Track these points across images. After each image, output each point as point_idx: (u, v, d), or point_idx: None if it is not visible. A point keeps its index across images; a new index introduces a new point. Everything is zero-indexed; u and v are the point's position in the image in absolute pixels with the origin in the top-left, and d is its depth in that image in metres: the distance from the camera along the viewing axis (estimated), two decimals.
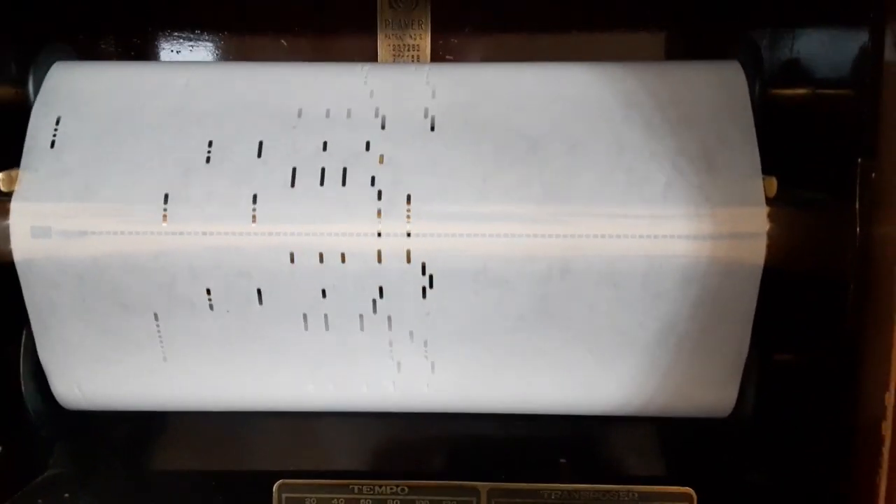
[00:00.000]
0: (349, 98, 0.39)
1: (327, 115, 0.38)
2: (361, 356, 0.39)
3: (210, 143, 0.38)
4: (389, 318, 0.37)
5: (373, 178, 0.36)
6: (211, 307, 0.37)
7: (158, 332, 0.38)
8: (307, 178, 0.37)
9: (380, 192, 0.36)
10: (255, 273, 0.37)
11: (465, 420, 0.41)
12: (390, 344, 0.38)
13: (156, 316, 0.38)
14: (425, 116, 0.38)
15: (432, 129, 0.37)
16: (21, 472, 0.42)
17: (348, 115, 0.38)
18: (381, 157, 0.37)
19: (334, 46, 0.48)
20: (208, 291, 0.37)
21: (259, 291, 0.37)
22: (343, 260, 0.36)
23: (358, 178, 0.37)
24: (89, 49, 0.46)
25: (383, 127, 0.37)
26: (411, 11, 0.47)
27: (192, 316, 0.38)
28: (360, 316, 0.37)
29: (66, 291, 0.38)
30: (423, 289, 0.36)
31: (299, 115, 0.38)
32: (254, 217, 0.36)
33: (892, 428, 0.30)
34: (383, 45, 0.47)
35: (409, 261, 0.36)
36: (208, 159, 0.37)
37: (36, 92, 0.40)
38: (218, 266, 0.37)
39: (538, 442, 0.43)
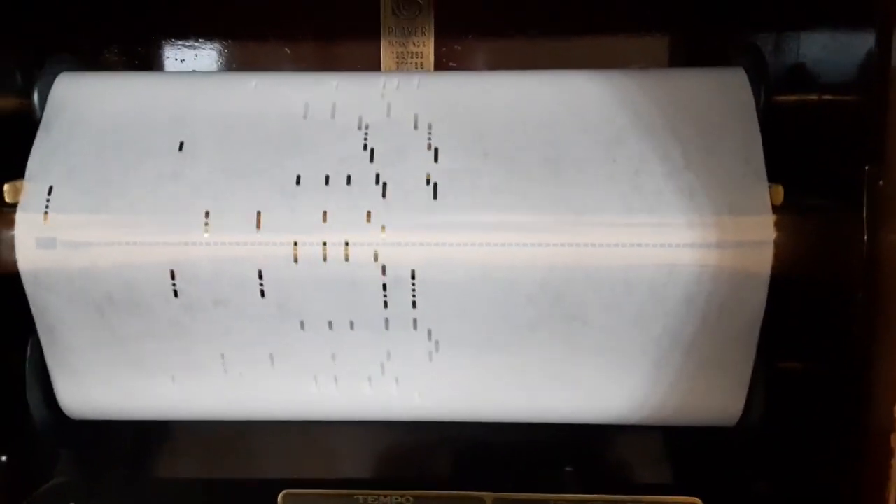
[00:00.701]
0: (353, 104, 0.39)
1: (332, 114, 0.38)
2: (364, 365, 0.38)
3: (215, 154, 0.38)
4: (391, 327, 0.37)
5: (374, 183, 0.36)
6: (216, 317, 0.37)
7: (163, 341, 0.38)
8: (312, 182, 0.37)
9: (380, 200, 0.36)
10: (268, 284, 0.36)
11: (470, 429, 0.41)
12: (393, 353, 0.38)
13: (160, 326, 0.38)
14: (426, 124, 0.38)
15: (430, 136, 0.37)
16: (26, 481, 0.42)
17: (360, 123, 0.38)
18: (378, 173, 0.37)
19: (337, 54, 0.48)
20: (214, 301, 0.37)
21: (263, 295, 0.37)
22: (344, 264, 0.36)
23: (359, 187, 0.36)
24: (93, 58, 0.46)
25: (390, 151, 0.37)
26: (415, 19, 0.47)
27: (197, 325, 0.38)
28: (363, 324, 0.37)
29: (71, 302, 0.38)
30: (427, 298, 0.36)
31: (305, 116, 0.38)
32: (258, 225, 0.36)
33: None
34: (387, 53, 0.47)
35: (412, 271, 0.36)
36: (213, 169, 0.37)
37: (41, 102, 0.40)
38: (224, 275, 0.36)
39: (544, 451, 0.43)
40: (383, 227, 0.36)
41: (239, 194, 0.37)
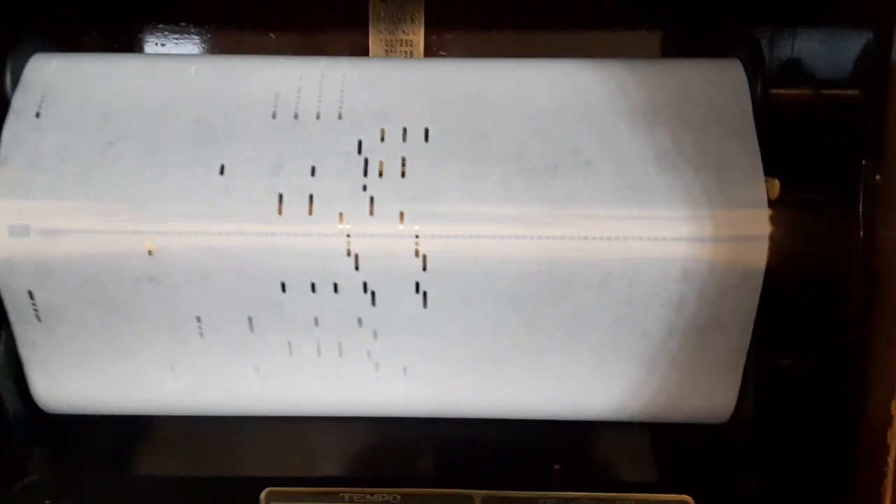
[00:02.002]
0: (341, 91, 0.38)
1: (318, 115, 0.37)
2: (350, 360, 0.38)
3: (193, 141, 0.36)
4: (381, 321, 0.36)
5: (364, 186, 0.35)
6: (192, 307, 0.36)
7: (140, 333, 0.37)
8: (297, 172, 0.36)
9: (372, 199, 0.35)
10: (242, 275, 0.35)
11: (458, 426, 0.40)
12: (381, 348, 0.37)
13: (138, 317, 0.37)
14: (417, 113, 0.37)
15: (427, 132, 0.36)
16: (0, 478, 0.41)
17: (339, 116, 0.37)
18: (381, 164, 0.36)
19: (324, 41, 0.47)
20: (192, 291, 0.36)
21: (245, 293, 0.36)
22: (331, 254, 0.35)
23: (351, 182, 0.36)
24: (72, 42, 0.45)
25: (382, 140, 0.36)
26: (404, 6, 0.46)
27: (175, 316, 0.36)
28: (349, 315, 0.36)
29: (45, 291, 0.36)
30: (416, 291, 0.35)
31: (294, 108, 0.37)
32: (238, 214, 0.35)
33: None
34: (375, 41, 0.46)
35: (401, 262, 0.35)
36: (191, 157, 0.36)
37: (14, 84, 0.39)
38: (202, 265, 0.35)
39: (533, 448, 0.42)
40: (372, 212, 0.35)
41: (217, 181, 0.36)
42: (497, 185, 0.35)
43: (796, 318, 0.38)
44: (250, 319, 0.37)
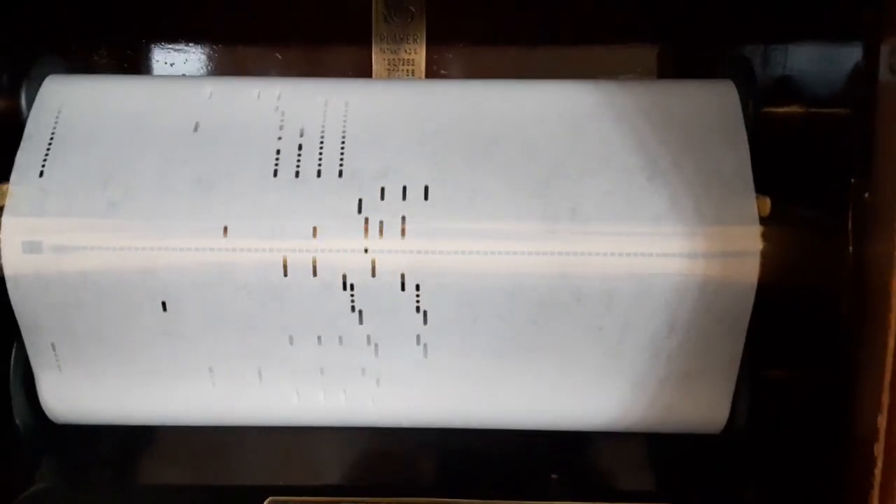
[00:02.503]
0: (342, 115, 0.39)
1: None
2: (352, 371, 0.38)
3: (203, 160, 0.37)
4: (377, 334, 0.37)
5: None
6: (200, 323, 0.37)
7: (148, 347, 0.38)
8: (300, 184, 0.36)
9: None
10: (246, 289, 0.36)
11: (456, 435, 0.41)
12: (381, 360, 0.38)
13: (146, 331, 0.38)
14: (417, 135, 0.38)
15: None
16: (7, 487, 0.42)
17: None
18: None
19: (328, 60, 0.48)
20: (201, 307, 0.37)
21: (249, 307, 0.37)
22: (333, 275, 0.36)
23: (353, 196, 0.36)
24: (82, 61, 0.46)
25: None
26: (406, 25, 0.47)
27: (183, 330, 0.37)
28: (352, 330, 0.37)
29: (56, 306, 0.37)
30: (416, 305, 0.36)
31: (301, 134, 0.38)
32: (246, 233, 0.36)
33: (885, 449, 0.30)
34: (378, 60, 0.47)
35: (402, 278, 0.36)
36: (201, 176, 0.37)
37: (28, 105, 0.40)
38: (211, 282, 0.36)
39: (529, 457, 0.43)
40: (375, 232, 0.36)
41: (226, 200, 0.37)
42: (491, 202, 0.36)
43: (788, 331, 0.39)
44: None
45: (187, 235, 0.36)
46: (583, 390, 0.38)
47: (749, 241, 0.36)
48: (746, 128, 0.38)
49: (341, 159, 0.37)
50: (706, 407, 0.39)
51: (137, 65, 0.48)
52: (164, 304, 0.37)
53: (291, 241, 0.36)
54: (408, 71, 0.47)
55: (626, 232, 0.36)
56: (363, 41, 0.47)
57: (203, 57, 0.48)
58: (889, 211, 0.30)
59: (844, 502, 0.33)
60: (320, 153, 0.37)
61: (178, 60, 0.47)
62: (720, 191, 0.36)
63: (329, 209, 0.36)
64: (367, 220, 0.36)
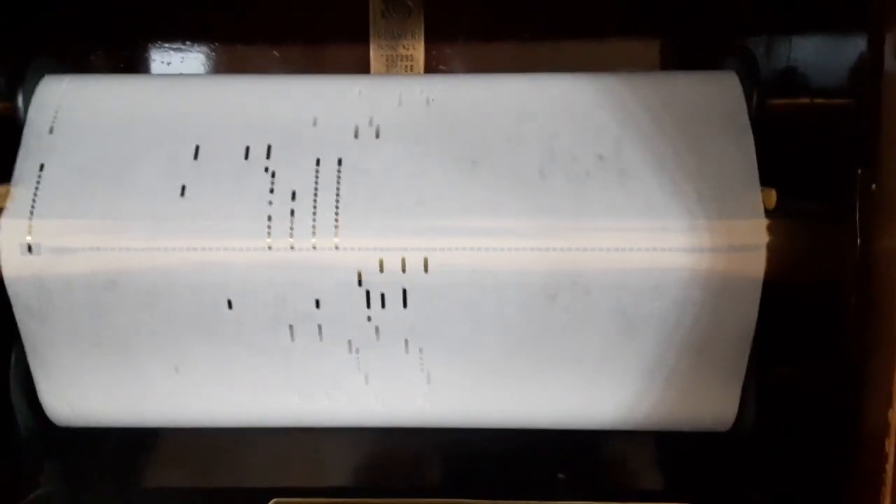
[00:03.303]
0: (340, 108, 0.38)
1: (314, 123, 0.38)
2: (355, 372, 0.38)
3: (201, 159, 0.37)
4: (383, 332, 0.37)
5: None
6: (200, 323, 0.37)
7: (149, 348, 0.38)
8: (302, 193, 0.36)
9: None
10: (244, 288, 0.36)
11: (462, 435, 0.40)
12: (385, 360, 0.38)
13: (146, 332, 0.37)
14: (417, 131, 0.38)
15: (422, 140, 0.37)
16: (11, 490, 0.42)
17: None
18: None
19: (326, 57, 0.47)
20: (200, 307, 0.36)
21: (249, 306, 0.36)
22: (333, 269, 0.36)
23: (351, 193, 0.36)
24: (79, 61, 0.46)
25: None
26: (404, 21, 0.47)
27: (180, 332, 0.37)
28: (352, 330, 0.37)
29: (56, 308, 0.37)
30: (421, 303, 0.36)
31: (312, 122, 0.38)
32: (243, 231, 0.36)
33: None
34: (376, 56, 0.47)
35: (403, 276, 0.36)
36: (200, 174, 0.37)
37: (25, 105, 0.39)
38: (209, 281, 0.36)
39: (536, 457, 0.42)
40: (377, 226, 0.36)
41: (225, 200, 0.36)
42: (495, 198, 0.36)
43: (796, 326, 0.38)
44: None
45: (186, 236, 0.36)
46: (589, 389, 0.38)
47: (755, 234, 0.35)
48: (751, 120, 0.38)
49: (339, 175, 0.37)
50: (714, 405, 0.38)
51: (134, 64, 0.47)
52: (164, 305, 0.37)
53: (289, 240, 0.36)
54: (406, 67, 0.47)
55: (630, 227, 0.35)
56: (361, 38, 0.46)
57: (200, 56, 0.47)
58: (894, 202, 0.30)
59: (855, 499, 0.32)
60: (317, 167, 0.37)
61: (176, 60, 0.47)
62: (725, 184, 0.36)
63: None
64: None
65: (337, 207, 0.36)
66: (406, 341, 0.37)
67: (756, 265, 0.35)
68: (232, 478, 0.44)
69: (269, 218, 0.36)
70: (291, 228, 0.36)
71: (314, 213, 0.36)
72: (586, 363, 0.37)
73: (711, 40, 0.45)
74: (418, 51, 0.47)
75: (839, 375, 0.34)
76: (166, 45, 0.47)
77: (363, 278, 0.36)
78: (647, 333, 0.36)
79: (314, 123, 0.38)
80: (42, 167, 0.37)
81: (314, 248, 0.36)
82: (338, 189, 0.36)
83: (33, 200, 0.37)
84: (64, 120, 0.39)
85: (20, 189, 0.37)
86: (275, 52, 0.47)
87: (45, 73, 0.41)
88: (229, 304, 0.36)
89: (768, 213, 0.35)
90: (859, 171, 0.33)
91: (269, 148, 0.37)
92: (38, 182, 0.37)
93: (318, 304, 0.36)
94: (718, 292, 0.35)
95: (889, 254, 0.31)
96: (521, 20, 0.47)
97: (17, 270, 0.36)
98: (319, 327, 0.37)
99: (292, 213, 0.36)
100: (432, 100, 0.39)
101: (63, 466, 0.44)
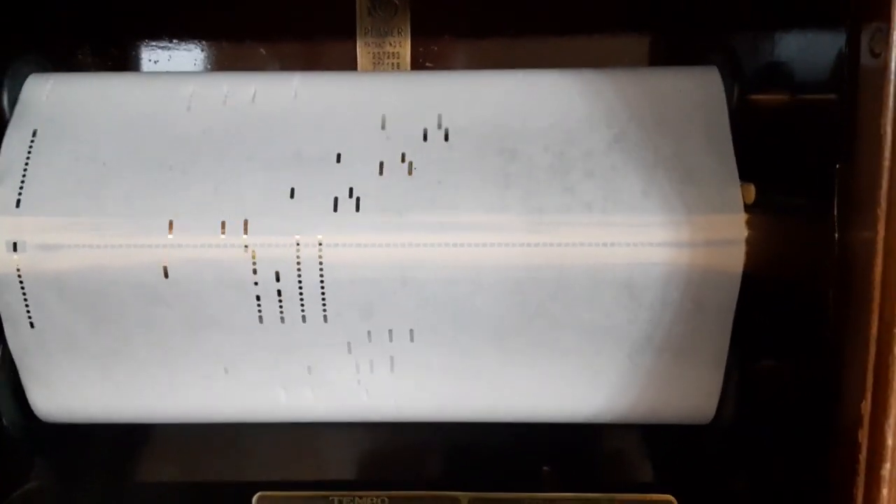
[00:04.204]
0: (337, 106, 0.39)
1: (304, 318, 0.38)
2: (339, 366, 0.38)
3: (186, 156, 0.37)
4: (368, 328, 0.37)
5: (350, 190, 0.36)
6: (187, 320, 0.37)
7: (134, 344, 0.38)
8: (284, 190, 0.36)
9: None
10: (229, 283, 0.36)
11: (446, 429, 0.40)
12: (369, 354, 0.38)
13: (131, 329, 0.38)
14: (394, 124, 0.38)
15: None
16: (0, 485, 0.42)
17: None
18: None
19: (313, 55, 0.47)
20: (187, 305, 0.37)
21: (235, 302, 0.37)
22: (316, 268, 0.36)
23: (339, 189, 0.36)
24: (65, 60, 0.46)
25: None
26: (391, 19, 0.47)
27: (166, 328, 0.37)
28: (336, 325, 0.37)
29: (42, 305, 0.37)
30: (404, 297, 0.36)
31: (283, 125, 0.38)
32: (226, 229, 0.36)
33: (869, 435, 0.30)
34: (363, 53, 0.47)
35: (389, 269, 0.36)
36: (184, 172, 0.37)
37: (11, 104, 0.40)
38: (196, 279, 0.36)
39: (519, 450, 0.43)
40: (361, 221, 0.36)
41: (210, 197, 0.37)
42: (475, 194, 0.36)
43: (775, 319, 0.39)
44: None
45: (173, 232, 0.36)
46: (570, 382, 0.38)
47: (734, 229, 0.35)
48: (731, 115, 0.38)
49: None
50: (694, 397, 0.39)
51: (121, 63, 0.47)
52: (149, 301, 0.37)
53: (268, 237, 0.36)
54: (393, 64, 0.47)
55: (610, 222, 0.35)
56: (348, 35, 0.47)
57: (186, 53, 0.47)
58: (872, 196, 0.30)
59: (832, 490, 0.33)
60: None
61: (162, 58, 0.47)
62: (704, 179, 0.36)
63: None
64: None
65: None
66: (388, 338, 0.37)
67: (735, 259, 0.35)
68: (217, 472, 0.44)
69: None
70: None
71: (295, 212, 0.36)
72: (567, 357, 0.38)
73: (694, 36, 0.45)
74: (405, 48, 0.47)
75: (818, 368, 0.34)
76: (153, 43, 0.47)
77: (342, 274, 0.36)
78: (627, 328, 0.37)
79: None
80: (27, 165, 0.38)
81: (297, 244, 0.36)
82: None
83: (18, 197, 0.37)
84: (49, 118, 0.39)
85: (5, 186, 0.37)
86: (262, 50, 0.47)
87: (31, 72, 0.41)
88: (217, 299, 0.36)
89: (747, 207, 0.36)
90: (837, 165, 0.33)
91: (263, 146, 0.37)
92: (22, 179, 0.37)
93: (304, 299, 0.36)
94: (698, 286, 0.36)
95: (866, 247, 0.31)
96: (508, 17, 0.47)
97: (2, 268, 0.37)
98: (303, 318, 0.37)
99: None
100: (410, 94, 0.39)
101: (51, 462, 0.44)
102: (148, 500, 0.43)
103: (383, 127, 0.38)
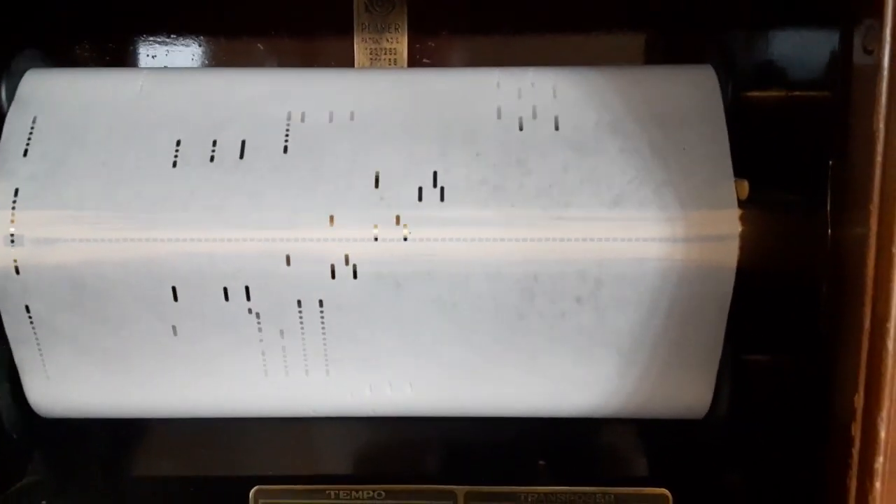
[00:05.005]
0: (328, 100, 0.39)
1: (302, 119, 0.38)
2: (338, 360, 0.39)
3: (183, 150, 0.37)
4: (366, 322, 0.37)
5: (377, 179, 0.36)
6: (182, 313, 0.37)
7: (131, 339, 0.38)
8: (277, 186, 0.37)
9: (349, 193, 0.36)
10: (228, 278, 0.36)
11: (442, 423, 0.41)
12: (367, 348, 0.38)
13: (129, 323, 0.38)
14: (396, 119, 0.38)
15: (396, 128, 0.37)
16: None
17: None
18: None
19: (310, 51, 0.47)
20: (176, 297, 0.37)
21: (231, 293, 0.37)
22: (317, 262, 0.36)
23: (330, 184, 0.37)
24: (64, 55, 0.46)
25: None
26: (388, 15, 0.47)
27: (163, 323, 0.37)
28: (337, 318, 0.37)
29: (40, 299, 0.37)
30: (396, 293, 0.36)
31: (294, 117, 0.38)
32: (227, 222, 0.36)
33: (862, 429, 0.30)
34: (360, 49, 0.47)
35: (379, 266, 0.36)
36: (176, 164, 0.37)
37: (9, 100, 0.40)
38: (193, 272, 0.36)
39: (515, 444, 0.43)
40: (352, 216, 0.36)
41: (207, 191, 0.37)
42: (472, 190, 0.36)
43: (769, 314, 0.39)
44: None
45: (170, 226, 0.36)
46: (564, 377, 0.38)
47: (728, 224, 0.36)
48: (726, 112, 0.38)
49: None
50: (689, 392, 0.39)
51: (120, 58, 0.47)
52: (146, 296, 0.37)
53: (273, 231, 0.36)
54: (390, 60, 0.47)
55: (605, 217, 0.36)
56: (345, 31, 0.47)
57: (184, 49, 0.48)
58: (864, 192, 0.31)
59: (826, 484, 0.33)
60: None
61: (160, 53, 0.47)
62: (699, 175, 0.36)
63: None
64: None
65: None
66: (386, 332, 0.37)
67: (729, 254, 0.36)
68: (215, 466, 0.44)
69: (267, 210, 0.36)
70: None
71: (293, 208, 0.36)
72: (562, 352, 0.38)
73: (691, 35, 0.45)
74: (402, 44, 0.47)
75: (812, 362, 0.35)
76: (151, 38, 0.48)
77: (344, 269, 0.36)
78: (623, 322, 0.37)
79: (289, 118, 0.38)
80: (24, 159, 0.38)
81: (295, 239, 0.36)
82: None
83: (15, 192, 0.37)
84: (47, 113, 0.39)
85: (2, 181, 0.37)
86: (259, 46, 0.47)
87: (30, 67, 0.41)
88: (224, 294, 0.37)
89: (741, 203, 0.36)
90: (831, 161, 0.34)
91: (242, 143, 0.38)
92: (20, 174, 0.37)
93: (294, 296, 0.37)
94: (692, 281, 0.36)
95: (858, 242, 0.31)
96: (505, 14, 0.47)
97: (1, 262, 0.37)
98: (301, 318, 0.37)
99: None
100: (410, 89, 0.39)
101: (48, 456, 0.44)
102: (145, 495, 0.43)
103: (384, 121, 0.38)
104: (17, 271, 0.37)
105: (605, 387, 0.39)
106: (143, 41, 0.48)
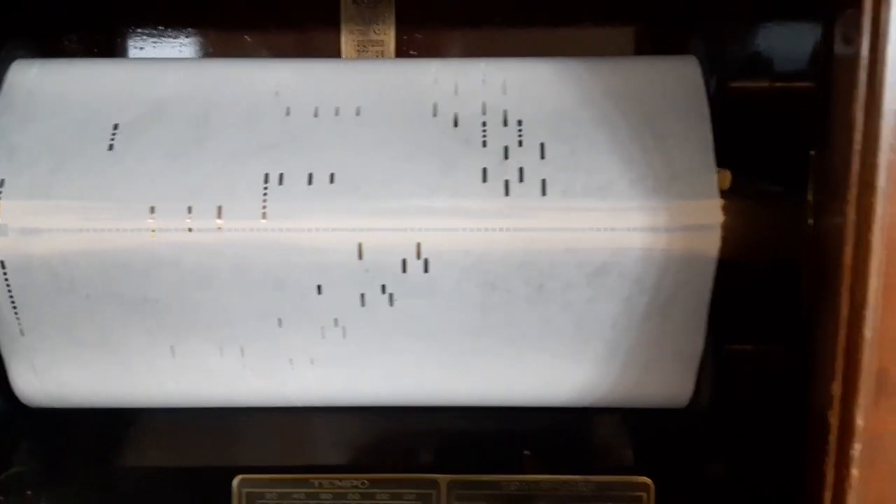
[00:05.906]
0: (323, 92, 0.39)
1: (288, 112, 0.38)
2: (319, 349, 0.39)
3: (172, 141, 0.38)
4: (350, 311, 0.37)
5: (332, 175, 0.36)
6: (167, 304, 0.37)
7: (117, 329, 0.38)
8: (268, 177, 0.37)
9: (333, 187, 0.36)
10: (215, 269, 0.37)
11: (425, 413, 0.41)
12: (349, 337, 0.38)
13: (116, 313, 0.38)
14: (377, 110, 0.38)
15: (384, 122, 0.38)
16: None
17: (315, 113, 0.38)
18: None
19: (297, 42, 0.48)
20: (165, 287, 0.37)
21: (219, 286, 0.37)
22: (302, 251, 0.36)
23: (315, 176, 0.37)
24: (51, 46, 0.46)
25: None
26: (375, 6, 0.47)
27: (150, 313, 0.38)
28: (318, 308, 0.37)
29: (25, 289, 0.37)
30: (381, 285, 0.37)
31: (274, 101, 0.38)
32: (219, 213, 0.36)
33: (839, 416, 0.30)
34: (347, 41, 0.47)
35: (362, 256, 0.36)
36: (167, 156, 0.37)
37: None
38: (180, 262, 0.37)
39: (497, 434, 0.43)
40: (334, 206, 0.36)
41: (194, 181, 0.37)
42: (453, 178, 0.36)
43: (750, 304, 0.39)
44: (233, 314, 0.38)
45: (157, 216, 0.36)
46: (546, 366, 0.39)
47: (710, 214, 0.36)
48: (710, 103, 0.38)
49: None
50: (670, 382, 0.39)
51: (108, 50, 0.48)
52: (132, 285, 0.37)
53: (262, 222, 0.36)
54: (377, 52, 0.47)
55: (587, 207, 0.36)
56: (332, 23, 0.47)
57: (172, 40, 0.48)
58: (844, 183, 0.31)
59: (805, 472, 0.33)
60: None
61: (148, 44, 0.48)
62: (681, 165, 0.36)
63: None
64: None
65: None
66: (368, 323, 0.38)
67: (711, 244, 0.36)
68: (198, 456, 0.44)
69: (247, 199, 0.36)
70: (264, 208, 0.36)
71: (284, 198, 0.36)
72: (543, 341, 0.38)
73: (675, 26, 0.45)
74: (389, 36, 0.47)
75: (793, 351, 0.35)
76: (139, 29, 0.48)
77: (329, 258, 0.36)
78: (605, 312, 0.37)
79: (287, 113, 0.38)
80: (10, 149, 0.38)
81: (287, 229, 0.36)
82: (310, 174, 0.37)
83: (1, 182, 0.37)
84: (34, 104, 0.39)
85: None
86: (246, 37, 0.47)
87: (16, 58, 0.41)
88: (203, 283, 0.37)
89: (723, 193, 0.36)
90: (812, 152, 0.34)
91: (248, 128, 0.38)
92: (6, 164, 0.37)
93: (276, 285, 0.37)
94: (674, 271, 0.36)
95: (838, 232, 0.31)
96: (493, 6, 0.47)
97: None
98: (278, 315, 0.37)
99: (265, 193, 0.36)
100: (390, 80, 0.39)
101: (35, 446, 0.44)
102: (131, 484, 0.43)
103: (358, 113, 0.38)
104: (2, 261, 0.37)
105: (588, 376, 0.39)
106: (131, 32, 0.48)
